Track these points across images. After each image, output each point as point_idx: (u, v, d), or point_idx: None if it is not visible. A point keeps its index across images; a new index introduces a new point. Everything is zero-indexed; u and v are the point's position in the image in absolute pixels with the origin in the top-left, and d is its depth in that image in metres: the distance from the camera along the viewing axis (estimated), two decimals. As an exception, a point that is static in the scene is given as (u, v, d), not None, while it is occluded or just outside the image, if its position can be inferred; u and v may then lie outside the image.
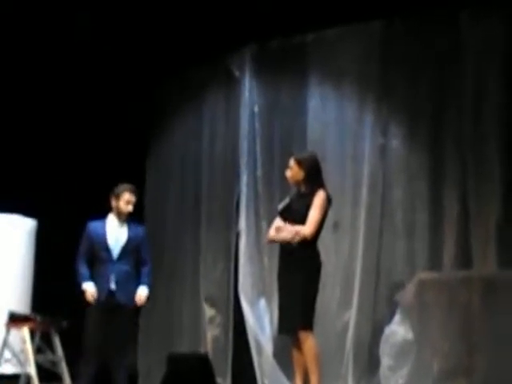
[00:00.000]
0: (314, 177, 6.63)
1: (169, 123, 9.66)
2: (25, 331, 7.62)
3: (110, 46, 8.92)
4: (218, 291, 8.86)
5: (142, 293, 7.25)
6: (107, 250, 7.15)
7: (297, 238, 6.38)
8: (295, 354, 6.49)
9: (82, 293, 7.12)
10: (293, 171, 6.67)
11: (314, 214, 6.45)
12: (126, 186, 7.28)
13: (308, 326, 6.42)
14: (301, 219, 6.44)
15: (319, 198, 6.51)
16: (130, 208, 7.24)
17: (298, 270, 6.43)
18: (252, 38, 8.69)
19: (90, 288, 7.09)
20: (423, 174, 7.86)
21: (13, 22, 8.38)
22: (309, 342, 6.37)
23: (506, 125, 7.51)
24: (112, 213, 7.28)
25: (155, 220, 9.29)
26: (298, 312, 6.38)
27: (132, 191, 7.27)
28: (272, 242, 6.75)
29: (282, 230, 6.49)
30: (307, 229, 6.42)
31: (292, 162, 6.68)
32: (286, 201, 6.70)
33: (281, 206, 6.69)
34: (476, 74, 7.67)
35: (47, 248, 8.53)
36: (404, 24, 8.04)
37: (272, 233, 6.61)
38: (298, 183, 6.68)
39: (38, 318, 7.77)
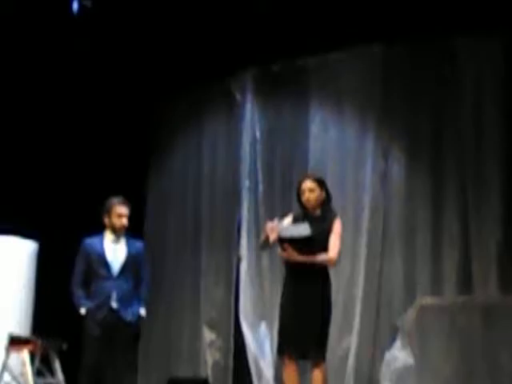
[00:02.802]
0: (330, 199, 6.55)
1: (170, 146, 9.67)
2: (25, 354, 7.60)
3: (113, 66, 8.96)
4: (219, 315, 8.85)
5: (141, 313, 7.03)
6: (106, 266, 6.88)
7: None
8: (294, 378, 6.40)
9: (80, 316, 7.00)
10: (317, 193, 6.41)
11: (337, 242, 6.32)
12: (114, 199, 6.98)
13: (324, 353, 6.32)
14: (316, 245, 6.24)
15: (340, 224, 6.39)
16: (123, 221, 6.93)
17: (319, 296, 6.30)
18: (254, 61, 8.75)
19: (84, 311, 6.87)
20: (424, 199, 7.89)
21: (11, 41, 8.41)
22: (323, 369, 6.27)
23: (506, 148, 7.56)
24: (107, 230, 6.99)
25: (156, 243, 9.27)
26: (316, 340, 6.27)
27: (122, 203, 6.96)
28: (289, 260, 6.39)
29: (275, 230, 6.29)
30: (334, 255, 6.30)
31: (313, 184, 6.41)
32: (292, 228, 6.33)
33: (288, 234, 6.28)
34: (475, 98, 7.73)
35: (48, 270, 8.51)
36: (404, 48, 8.12)
37: (273, 235, 6.28)
38: (316, 206, 6.44)
39: (38, 341, 7.73)
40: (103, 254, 6.92)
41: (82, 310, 6.86)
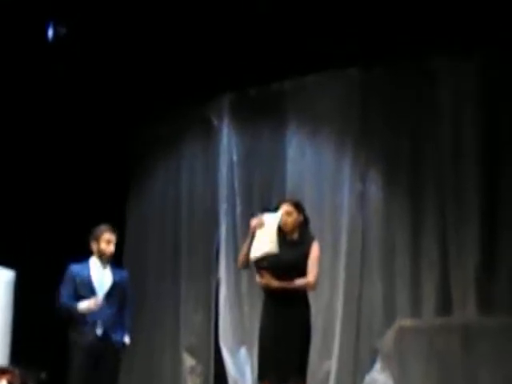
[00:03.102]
0: (308, 222, 6.55)
1: (148, 171, 9.64)
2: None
3: (90, 91, 8.94)
4: (199, 340, 8.81)
5: (125, 341, 7.05)
6: (92, 292, 6.89)
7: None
8: None
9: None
10: (293, 216, 6.41)
11: (315, 265, 6.31)
12: (103, 226, 7.07)
13: (305, 378, 6.28)
14: (294, 270, 6.23)
15: (318, 247, 6.38)
16: (111, 248, 7.01)
17: (299, 320, 6.27)
18: (230, 86, 8.76)
19: (84, 302, 6.83)
20: (402, 221, 7.89)
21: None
22: None
23: (484, 169, 7.56)
24: (94, 256, 7.04)
25: (135, 268, 9.16)
26: (297, 365, 6.22)
27: (111, 230, 7.05)
28: (267, 286, 6.36)
29: (262, 222, 6.30)
30: (313, 279, 6.28)
31: (290, 207, 6.42)
32: (264, 250, 6.35)
33: (258, 254, 6.32)
34: (453, 118, 7.76)
35: (25, 299, 8.44)
36: (382, 70, 8.15)
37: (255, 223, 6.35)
38: (293, 230, 6.45)
39: (17, 371, 7.65)
40: (90, 280, 6.94)
41: (80, 307, 6.82)
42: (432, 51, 7.76)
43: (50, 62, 8.42)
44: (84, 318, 6.86)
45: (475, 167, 7.60)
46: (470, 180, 7.60)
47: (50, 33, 8.28)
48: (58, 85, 8.70)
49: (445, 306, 7.47)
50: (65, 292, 6.95)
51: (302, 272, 6.33)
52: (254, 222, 6.37)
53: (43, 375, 7.75)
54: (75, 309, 6.83)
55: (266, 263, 6.31)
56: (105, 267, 7.05)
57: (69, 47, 8.37)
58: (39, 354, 7.98)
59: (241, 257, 6.47)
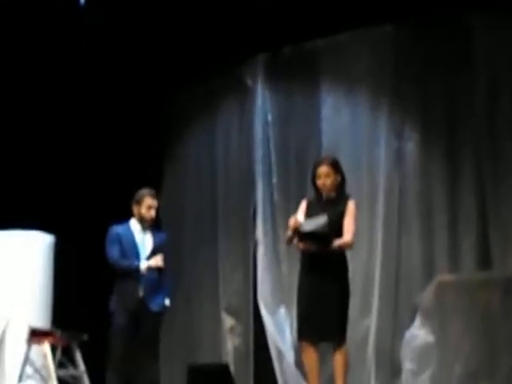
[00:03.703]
0: (345, 182, 6.57)
1: (183, 134, 9.68)
2: (46, 346, 7.61)
3: (125, 59, 8.96)
4: (238, 300, 8.87)
5: (166, 303, 7.11)
6: (136, 255, 6.96)
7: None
8: (314, 362, 6.40)
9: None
10: (332, 177, 6.46)
11: (352, 223, 6.38)
12: (145, 190, 7.10)
13: (345, 335, 6.37)
14: (332, 228, 6.27)
15: (354, 205, 6.44)
16: (152, 213, 7.04)
17: (337, 279, 6.35)
18: (263, 46, 8.72)
19: (144, 263, 6.92)
20: (440, 176, 7.86)
21: (18, 36, 8.42)
22: (345, 352, 6.33)
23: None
24: (134, 219, 7.10)
25: (172, 231, 9.21)
26: (336, 323, 6.31)
27: (153, 196, 7.07)
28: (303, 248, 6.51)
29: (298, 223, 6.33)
30: (350, 239, 6.35)
31: (328, 169, 6.45)
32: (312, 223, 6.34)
33: (308, 228, 6.31)
34: (490, 75, 7.68)
35: (66, 263, 8.53)
36: (415, 28, 8.05)
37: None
38: (331, 190, 6.49)
39: (59, 333, 7.75)
40: (135, 243, 7.02)
41: (142, 266, 6.89)
42: (468, 7, 7.65)
43: (83, 26, 8.42)
44: (126, 282, 6.94)
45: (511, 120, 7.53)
46: (508, 134, 7.53)
47: (82, -1, 8.28)
48: (92, 49, 8.72)
49: (484, 261, 7.44)
50: (114, 251, 6.99)
51: (340, 230, 6.35)
52: (291, 222, 6.37)
53: (85, 337, 7.82)
54: (133, 266, 6.90)
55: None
56: (145, 231, 7.10)
57: (102, 11, 8.36)
58: (80, 316, 8.07)
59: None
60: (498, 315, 6.28)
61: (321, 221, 6.26)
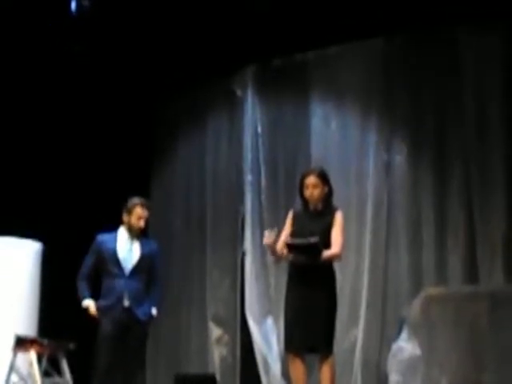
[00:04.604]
0: (332, 193, 6.57)
1: (173, 143, 9.70)
2: (32, 355, 7.57)
3: (113, 67, 8.97)
4: (225, 311, 8.87)
5: (152, 313, 7.04)
6: (118, 265, 6.90)
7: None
8: (301, 373, 6.39)
9: (89, 313, 6.99)
10: (320, 188, 6.45)
11: (340, 234, 6.35)
12: (137, 200, 7.04)
13: (332, 347, 6.36)
14: (321, 241, 6.25)
15: (341, 217, 6.42)
16: (141, 223, 6.99)
17: (325, 289, 6.34)
18: (253, 57, 8.75)
19: (91, 306, 6.90)
20: (428, 189, 7.90)
21: (8, 41, 8.41)
22: (332, 363, 6.31)
23: (509, 136, 7.53)
24: (123, 226, 7.05)
25: (160, 239, 9.15)
26: (324, 334, 6.30)
27: (144, 206, 7.01)
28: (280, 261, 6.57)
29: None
30: (339, 250, 6.33)
31: (316, 180, 6.45)
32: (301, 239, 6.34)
33: (297, 241, 6.31)
34: (477, 87, 7.73)
35: (53, 271, 8.51)
36: (404, 40, 8.12)
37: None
38: (319, 200, 6.47)
39: (45, 342, 7.71)
40: (115, 252, 6.94)
41: (84, 303, 6.91)
42: (456, 20, 7.71)
43: (73, 35, 8.43)
44: (111, 290, 6.92)
45: (500, 135, 7.58)
46: (496, 148, 7.58)
47: (74, 5, 8.27)
48: (81, 58, 8.71)
49: (471, 274, 7.48)
50: (86, 265, 7.01)
51: (327, 242, 6.36)
52: (266, 239, 6.36)
53: (71, 346, 7.79)
54: (80, 299, 6.92)
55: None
56: (133, 240, 7.04)
57: (92, 20, 8.36)
58: (67, 325, 8.03)
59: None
60: (485, 328, 6.29)
61: (312, 239, 6.26)
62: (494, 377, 6.11)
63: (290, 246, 6.32)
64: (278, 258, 6.51)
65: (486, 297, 6.37)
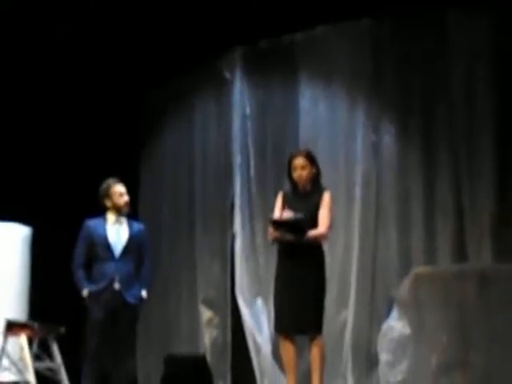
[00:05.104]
0: (320, 174, 6.61)
1: (161, 126, 9.68)
2: (22, 339, 7.60)
3: (100, 52, 8.93)
4: (215, 293, 8.88)
5: (142, 295, 7.07)
6: (108, 248, 6.92)
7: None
8: (291, 354, 6.43)
9: (80, 299, 7.00)
10: (308, 169, 6.50)
11: (328, 215, 6.41)
12: (110, 180, 7.07)
13: (321, 328, 6.40)
14: (309, 222, 6.32)
15: (329, 197, 6.46)
16: (125, 198, 7.02)
17: (314, 270, 6.39)
18: (241, 39, 8.72)
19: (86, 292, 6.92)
20: (416, 170, 7.89)
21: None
22: (321, 344, 6.37)
23: (498, 119, 7.54)
24: (109, 212, 7.06)
25: (150, 223, 9.14)
26: (313, 315, 6.35)
27: (119, 182, 7.06)
28: (277, 241, 6.53)
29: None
30: (325, 230, 6.38)
31: (304, 161, 6.50)
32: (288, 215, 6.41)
33: (283, 218, 6.38)
34: (465, 70, 7.71)
35: (43, 255, 8.52)
36: (393, 21, 8.08)
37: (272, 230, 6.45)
38: (307, 181, 6.52)
39: (36, 326, 7.73)
40: (105, 236, 6.95)
41: (85, 292, 6.91)
42: (445, 2, 7.69)
43: (59, 22, 8.39)
44: (101, 274, 6.91)
45: (488, 116, 7.57)
46: (484, 129, 7.57)
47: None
48: (69, 44, 8.69)
49: (460, 253, 7.50)
50: (79, 252, 7.01)
51: (315, 222, 6.38)
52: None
53: (62, 330, 7.81)
54: (80, 288, 6.91)
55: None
56: (121, 222, 7.04)
57: (76, 4, 8.32)
58: (57, 308, 8.06)
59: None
60: (474, 307, 6.31)
61: (297, 215, 6.29)
62: (483, 355, 6.14)
63: (275, 223, 6.36)
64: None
65: (475, 275, 6.38)
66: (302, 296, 6.32)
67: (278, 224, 6.37)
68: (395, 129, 8.08)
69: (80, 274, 6.96)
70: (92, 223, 7.05)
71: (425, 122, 7.93)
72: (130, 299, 6.94)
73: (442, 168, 7.80)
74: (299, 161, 6.51)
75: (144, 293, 7.05)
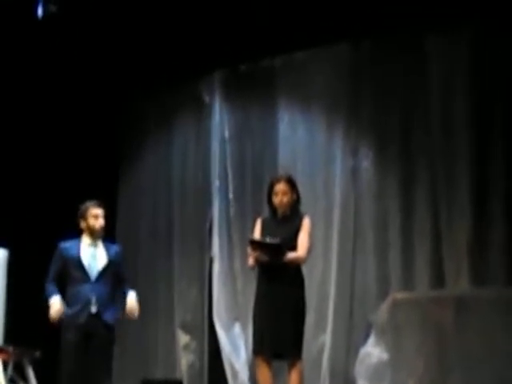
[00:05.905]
0: (299, 199, 6.59)
1: (140, 148, 9.65)
2: (-3, 362, 7.54)
3: (80, 70, 8.92)
4: (193, 317, 8.84)
5: (133, 299, 6.95)
6: (83, 270, 6.78)
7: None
8: (268, 378, 6.37)
9: (57, 323, 6.90)
10: (289, 195, 6.47)
11: (307, 239, 6.38)
12: (88, 202, 6.96)
13: (300, 352, 6.35)
14: (288, 246, 6.29)
15: (309, 222, 6.45)
16: (101, 222, 6.90)
17: (292, 295, 6.34)
18: (220, 62, 8.74)
19: (56, 303, 6.76)
20: (394, 194, 7.92)
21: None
22: (301, 369, 6.31)
23: (475, 144, 7.58)
24: (84, 234, 6.94)
25: (127, 245, 9.13)
26: (292, 339, 6.29)
27: (97, 205, 6.94)
28: (256, 264, 6.45)
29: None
30: (303, 253, 6.35)
31: (286, 186, 6.47)
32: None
33: (260, 239, 6.41)
34: (444, 94, 7.77)
35: (18, 278, 8.44)
36: (371, 45, 8.15)
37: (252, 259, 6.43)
38: (288, 207, 6.48)
39: (11, 349, 7.67)
40: (79, 258, 6.83)
41: (51, 300, 6.77)
42: (421, 26, 7.76)
43: (39, 38, 8.38)
44: (76, 296, 6.85)
45: (466, 141, 7.61)
46: (461, 154, 7.62)
47: (40, 10, 8.22)
48: (47, 61, 8.67)
49: (438, 278, 7.52)
50: (52, 271, 6.90)
51: (295, 246, 6.37)
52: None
53: (37, 354, 7.75)
54: (47, 297, 6.80)
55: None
56: (96, 245, 6.97)
57: (59, 23, 8.31)
58: (33, 332, 7.98)
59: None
60: (451, 332, 6.33)
61: (277, 239, 6.29)
62: (460, 379, 6.16)
63: (253, 244, 6.35)
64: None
65: (452, 301, 6.42)
66: (282, 320, 6.29)
67: (258, 244, 6.34)
68: (373, 153, 8.12)
69: (50, 286, 6.84)
70: (66, 245, 6.95)
71: (403, 147, 7.97)
72: (107, 318, 6.85)
73: (419, 192, 7.83)
74: (281, 186, 6.49)
75: (135, 295, 6.96)
